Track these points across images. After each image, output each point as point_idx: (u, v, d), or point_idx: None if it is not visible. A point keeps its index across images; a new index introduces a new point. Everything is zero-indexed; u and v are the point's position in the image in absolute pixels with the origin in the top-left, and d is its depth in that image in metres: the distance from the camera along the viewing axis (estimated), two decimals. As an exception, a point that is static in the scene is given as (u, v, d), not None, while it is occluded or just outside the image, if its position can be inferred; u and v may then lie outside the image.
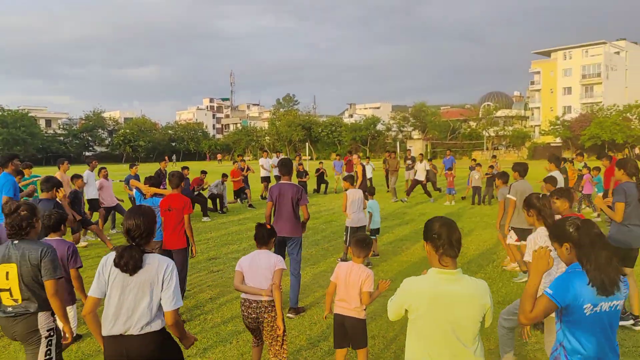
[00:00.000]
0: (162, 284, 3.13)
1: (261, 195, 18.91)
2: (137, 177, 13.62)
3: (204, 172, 15.74)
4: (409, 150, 23.92)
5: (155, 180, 8.01)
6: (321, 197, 19.55)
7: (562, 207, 4.86)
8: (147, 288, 3.11)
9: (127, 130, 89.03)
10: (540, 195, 4.56)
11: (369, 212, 9.28)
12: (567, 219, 3.08)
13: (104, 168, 12.42)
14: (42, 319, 3.65)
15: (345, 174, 20.38)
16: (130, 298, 3.10)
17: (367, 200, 9.48)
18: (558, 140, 66.11)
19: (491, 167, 17.16)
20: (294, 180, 19.78)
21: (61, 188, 5.67)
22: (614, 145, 58.08)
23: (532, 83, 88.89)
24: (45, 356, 3.65)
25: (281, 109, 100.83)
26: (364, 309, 4.22)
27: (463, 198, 17.97)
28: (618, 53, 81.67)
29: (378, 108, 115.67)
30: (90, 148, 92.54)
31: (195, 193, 14.97)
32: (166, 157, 69.03)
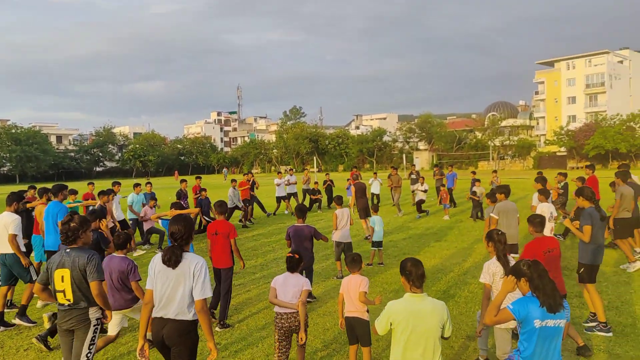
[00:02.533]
0: (193, 277, 3.96)
1: (285, 211, 20.40)
2: (153, 195, 14.61)
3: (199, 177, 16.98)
4: (414, 165, 24.91)
5: (179, 205, 9.08)
6: (330, 212, 20.46)
7: (534, 231, 5.82)
8: (182, 279, 3.96)
9: (137, 145, 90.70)
10: (500, 232, 5.46)
11: (371, 226, 10.52)
12: (521, 261, 4.08)
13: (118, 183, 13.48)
14: (92, 311, 4.57)
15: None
16: (170, 288, 3.97)
17: (370, 216, 10.58)
18: (563, 149, 66.69)
19: (492, 183, 17.85)
20: (307, 200, 20.92)
21: (104, 219, 6.66)
22: (618, 154, 58.56)
23: (537, 93, 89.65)
24: (91, 341, 4.58)
25: (288, 122, 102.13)
26: (366, 310, 5.24)
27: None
28: (622, 62, 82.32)
29: (384, 119, 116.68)
30: (101, 163, 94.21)
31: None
32: (176, 172, 69.91)
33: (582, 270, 6.63)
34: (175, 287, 3.98)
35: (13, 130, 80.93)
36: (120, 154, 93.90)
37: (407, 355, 3.73)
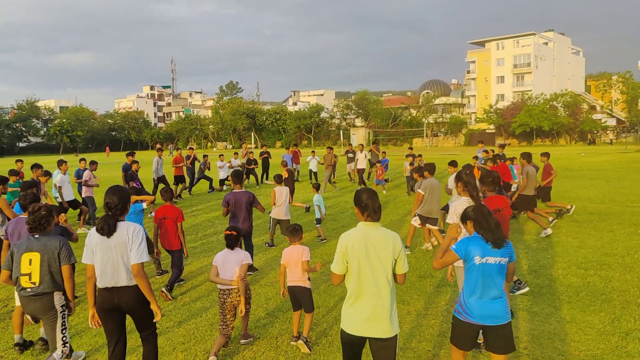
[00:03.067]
0: (131, 243, 4.05)
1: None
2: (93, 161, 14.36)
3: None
4: (350, 145, 25.43)
5: (135, 190, 8.93)
6: (269, 188, 20.59)
7: (487, 190, 6.29)
8: (123, 248, 4.05)
9: (64, 120, 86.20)
10: (468, 172, 5.76)
11: (316, 205, 10.69)
12: (468, 206, 4.38)
13: (65, 162, 12.90)
14: (57, 297, 4.59)
15: (294, 165, 21.66)
16: (112, 257, 4.05)
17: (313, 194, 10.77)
18: (492, 127, 69.72)
19: (411, 164, 18.09)
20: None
21: (62, 214, 6.43)
22: (542, 132, 62.02)
23: (469, 72, 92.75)
24: (62, 326, 4.61)
25: (224, 97, 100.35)
26: (308, 279, 5.50)
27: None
28: (546, 44, 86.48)
29: (322, 95, 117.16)
30: (25, 139, 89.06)
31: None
32: (107, 148, 67.43)
33: None
34: (118, 256, 4.06)
35: None
36: (45, 129, 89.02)
37: (361, 289, 3.62)
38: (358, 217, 3.77)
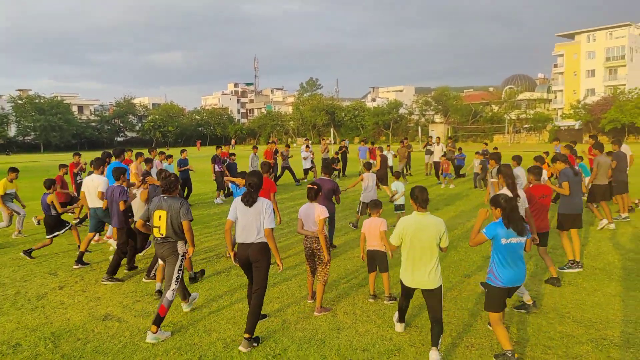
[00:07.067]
0: (264, 213, 5.50)
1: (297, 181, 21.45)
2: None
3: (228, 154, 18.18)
4: (431, 137, 25.98)
5: (243, 173, 10.37)
6: (345, 179, 21.78)
7: (531, 179, 7.11)
8: (258, 215, 5.49)
9: (157, 116, 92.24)
10: (507, 165, 6.67)
11: (394, 190, 11.58)
12: (500, 195, 5.28)
13: (163, 153, 15.06)
14: (179, 245, 5.96)
15: (370, 160, 22.71)
16: (250, 221, 5.49)
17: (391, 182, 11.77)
18: (578, 123, 66.85)
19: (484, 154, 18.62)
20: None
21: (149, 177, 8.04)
22: (634, 128, 58.80)
23: (556, 66, 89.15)
24: (179, 268, 5.99)
25: (305, 94, 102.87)
26: (383, 245, 6.54)
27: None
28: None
29: (401, 91, 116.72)
30: (122, 134, 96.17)
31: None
32: (198, 143, 71.24)
33: (562, 219, 8.04)
34: (254, 220, 5.51)
35: (36, 100, 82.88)
36: (140, 125, 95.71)
37: (412, 257, 5.02)
38: (413, 207, 5.12)
